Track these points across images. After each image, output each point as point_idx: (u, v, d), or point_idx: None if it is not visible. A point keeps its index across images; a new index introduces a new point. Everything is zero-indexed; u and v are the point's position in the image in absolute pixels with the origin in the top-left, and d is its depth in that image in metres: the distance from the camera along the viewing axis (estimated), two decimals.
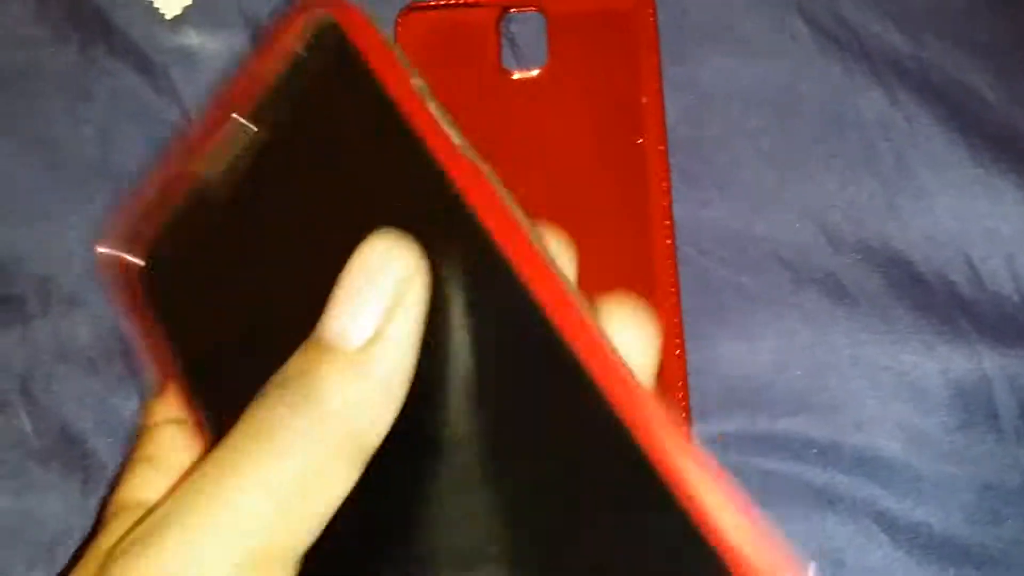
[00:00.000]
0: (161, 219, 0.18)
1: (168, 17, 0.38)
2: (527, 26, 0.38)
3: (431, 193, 0.17)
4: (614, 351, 0.16)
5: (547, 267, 0.16)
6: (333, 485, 0.17)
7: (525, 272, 0.16)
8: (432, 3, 0.38)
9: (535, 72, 0.38)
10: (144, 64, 0.38)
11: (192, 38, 0.38)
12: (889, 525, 0.31)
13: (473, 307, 0.17)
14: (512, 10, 0.38)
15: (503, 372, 0.17)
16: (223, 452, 0.17)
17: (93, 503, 0.32)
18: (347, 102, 0.19)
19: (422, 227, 0.17)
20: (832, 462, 0.32)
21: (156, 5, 0.38)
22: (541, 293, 0.16)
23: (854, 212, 0.35)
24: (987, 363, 0.33)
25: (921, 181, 0.35)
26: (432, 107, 0.18)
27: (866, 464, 0.32)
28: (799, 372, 0.33)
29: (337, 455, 0.17)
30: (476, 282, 0.17)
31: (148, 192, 0.17)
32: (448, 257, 0.17)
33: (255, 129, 0.18)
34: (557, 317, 0.16)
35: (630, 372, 0.15)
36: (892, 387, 0.33)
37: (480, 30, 0.38)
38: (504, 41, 0.38)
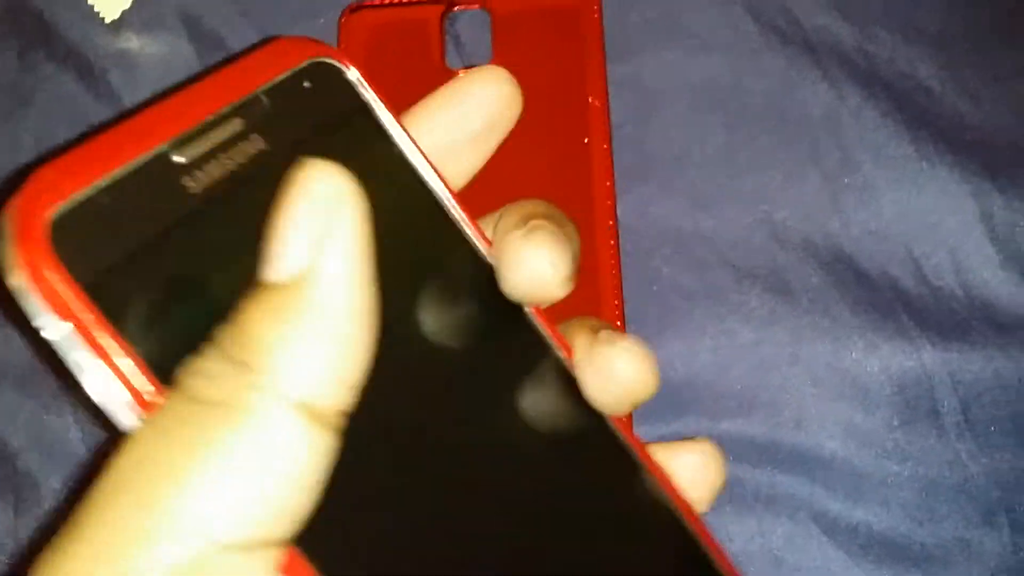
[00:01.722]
0: (89, 182, 0.17)
1: (107, 20, 0.38)
2: (471, 24, 0.38)
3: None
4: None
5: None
6: (295, 449, 0.15)
7: None
8: (376, 1, 0.38)
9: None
10: (84, 68, 0.37)
11: (132, 41, 0.38)
12: (829, 524, 0.31)
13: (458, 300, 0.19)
14: (456, 8, 0.38)
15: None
16: (144, 436, 0.15)
17: (25, 522, 0.32)
18: (343, 129, 0.19)
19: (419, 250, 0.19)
20: (772, 461, 0.32)
21: (96, 8, 0.38)
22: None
23: (799, 208, 0.35)
24: (928, 360, 0.33)
25: (866, 176, 0.35)
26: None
27: (806, 463, 0.32)
28: (740, 371, 0.33)
29: (265, 408, 0.14)
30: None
31: (83, 153, 0.16)
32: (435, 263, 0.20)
33: (241, 127, 0.18)
34: None
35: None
36: (834, 385, 0.33)
37: (424, 28, 0.38)
38: (448, 39, 0.38)
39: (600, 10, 0.37)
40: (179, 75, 0.37)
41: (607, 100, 0.36)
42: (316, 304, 0.15)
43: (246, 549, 0.14)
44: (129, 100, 0.37)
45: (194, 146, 0.17)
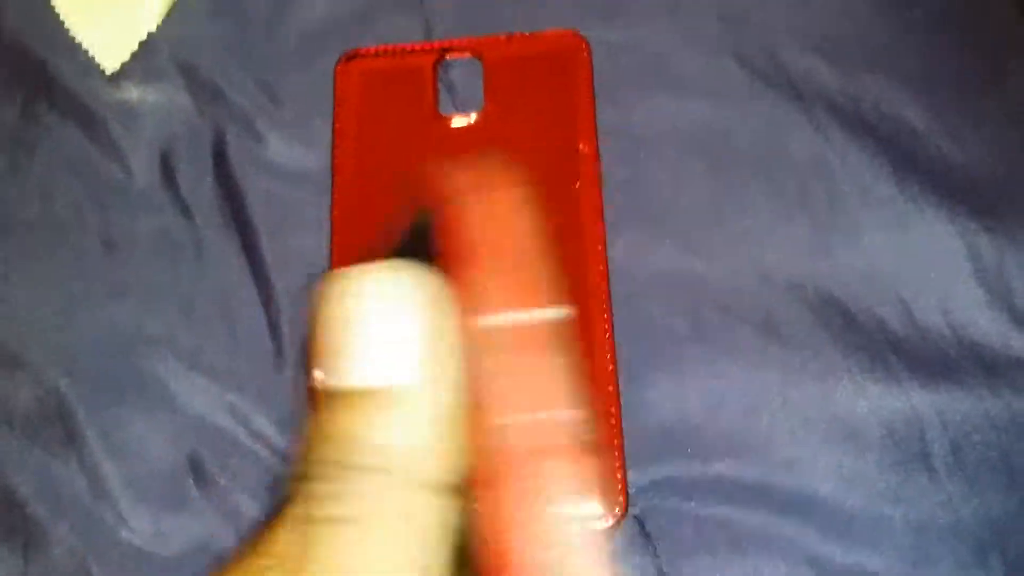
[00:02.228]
0: None
1: (107, 72, 0.39)
2: (464, 72, 0.39)
3: None
4: None
5: None
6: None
7: None
8: (371, 50, 0.39)
9: (472, 118, 0.38)
10: (85, 119, 0.38)
11: (131, 92, 0.38)
12: (822, 567, 0.32)
13: None
14: (449, 56, 0.39)
15: None
16: None
17: (35, 568, 0.32)
18: None
19: None
20: (764, 504, 0.32)
21: (96, 60, 0.39)
22: None
23: (786, 251, 0.35)
24: (917, 401, 0.33)
25: (853, 218, 0.35)
26: None
27: (799, 505, 0.32)
28: (731, 413, 0.33)
29: None
30: None
31: None
32: None
33: None
34: None
35: None
36: (824, 427, 0.33)
37: (417, 76, 0.38)
38: (441, 87, 0.38)
39: (590, 57, 0.38)
40: (179, 125, 0.38)
41: (597, 146, 0.37)
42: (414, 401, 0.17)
43: None
44: (129, 150, 0.37)
45: None
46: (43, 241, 0.37)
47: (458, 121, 0.38)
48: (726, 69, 0.37)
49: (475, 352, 0.18)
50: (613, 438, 0.33)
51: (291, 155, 0.37)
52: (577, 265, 0.35)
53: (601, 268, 0.35)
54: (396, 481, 0.16)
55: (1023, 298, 0.34)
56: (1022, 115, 0.37)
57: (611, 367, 0.34)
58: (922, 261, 0.35)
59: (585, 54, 0.38)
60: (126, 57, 0.38)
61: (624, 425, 0.33)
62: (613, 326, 0.34)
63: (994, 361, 0.34)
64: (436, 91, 0.38)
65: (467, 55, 0.39)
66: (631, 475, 0.33)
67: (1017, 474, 0.32)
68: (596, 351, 0.34)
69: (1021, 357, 0.34)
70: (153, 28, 0.39)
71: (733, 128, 0.37)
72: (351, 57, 0.39)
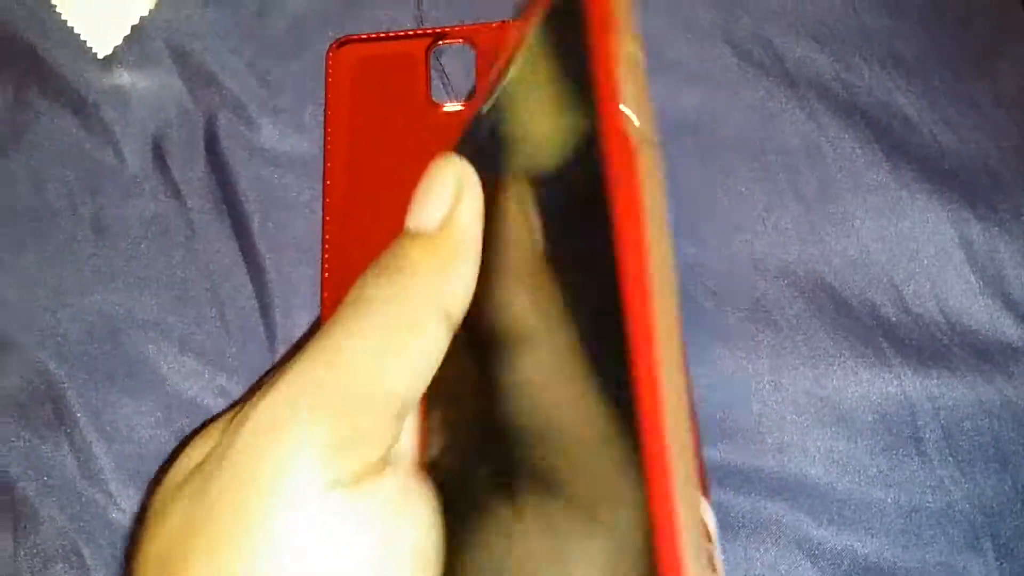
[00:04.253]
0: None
1: (100, 56, 0.38)
2: (457, 58, 0.39)
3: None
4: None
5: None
6: (425, 337, 0.21)
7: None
8: (363, 36, 0.39)
9: (464, 104, 0.38)
10: (77, 104, 0.38)
11: (123, 77, 0.38)
12: (813, 550, 0.32)
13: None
14: (442, 43, 0.39)
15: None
16: (328, 325, 0.21)
17: (25, 549, 0.32)
18: (567, 76, 0.20)
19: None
20: (756, 488, 0.32)
21: (88, 44, 0.39)
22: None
23: (778, 237, 0.35)
24: (909, 386, 0.33)
25: (845, 204, 0.35)
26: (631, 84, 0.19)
27: (790, 489, 0.32)
28: (722, 399, 0.33)
29: (426, 312, 0.21)
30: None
31: None
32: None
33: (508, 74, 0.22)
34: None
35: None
36: (816, 412, 0.33)
37: (410, 62, 0.38)
38: (434, 73, 0.38)
39: None
40: (171, 110, 0.38)
41: None
42: (454, 241, 0.22)
43: None
44: (121, 135, 0.37)
45: None
46: (34, 225, 0.36)
47: (451, 107, 0.38)
48: (719, 55, 0.37)
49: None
50: None
51: (283, 140, 0.37)
52: None
53: None
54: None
55: (1016, 285, 0.34)
56: (1015, 102, 0.37)
57: None
58: (915, 247, 0.35)
59: None
60: (118, 41, 0.38)
61: None
62: None
63: (986, 347, 0.34)
64: (429, 77, 0.38)
65: (460, 42, 0.39)
66: None
67: (1009, 459, 0.32)
68: None
69: (1013, 344, 0.34)
70: (145, 12, 0.39)
71: (725, 114, 0.37)
72: (344, 43, 0.38)
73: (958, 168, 0.36)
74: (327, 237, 0.36)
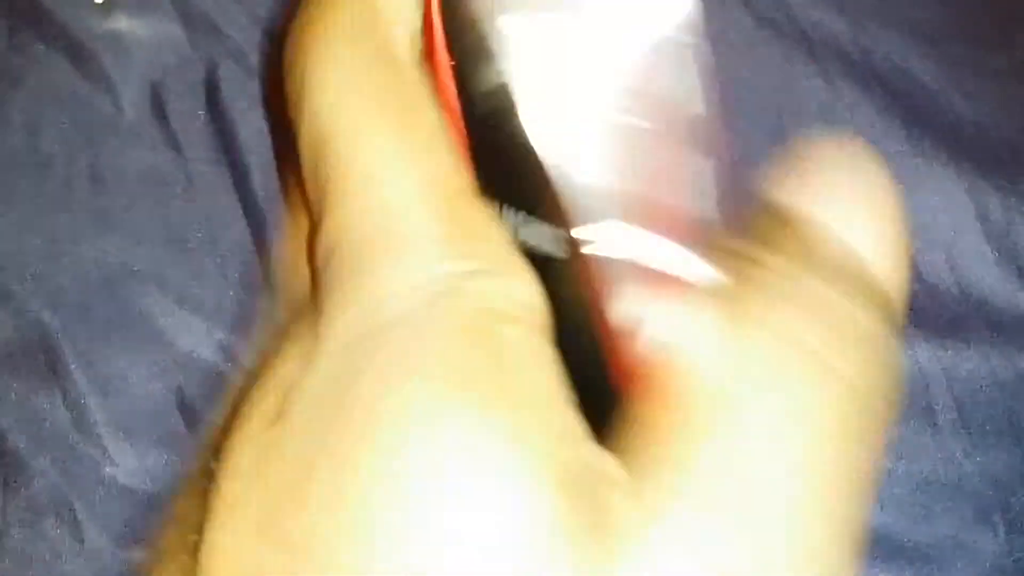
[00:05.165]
0: None
1: (98, 1, 0.37)
2: None
3: None
4: None
5: None
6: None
7: None
8: None
9: None
10: (74, 50, 0.37)
11: (122, 23, 0.37)
12: None
13: None
14: None
15: None
16: None
17: (14, 502, 0.31)
18: None
19: None
20: None
21: None
22: None
23: None
24: (923, 357, 0.32)
25: None
26: None
27: None
28: None
29: None
30: None
31: None
32: None
33: None
34: None
35: None
36: None
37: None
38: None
39: None
40: (170, 58, 0.37)
41: None
42: None
43: None
44: (119, 83, 0.36)
45: None
46: (29, 174, 0.35)
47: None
48: (735, 17, 0.37)
49: None
50: None
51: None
52: None
53: None
54: None
55: None
56: None
57: None
58: (930, 217, 0.34)
59: None
60: None
61: None
62: None
63: (1001, 320, 0.33)
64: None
65: None
66: None
67: (1022, 433, 0.32)
68: None
69: None
70: None
71: (741, 77, 0.36)
72: None
73: (975, 138, 0.35)
74: None
